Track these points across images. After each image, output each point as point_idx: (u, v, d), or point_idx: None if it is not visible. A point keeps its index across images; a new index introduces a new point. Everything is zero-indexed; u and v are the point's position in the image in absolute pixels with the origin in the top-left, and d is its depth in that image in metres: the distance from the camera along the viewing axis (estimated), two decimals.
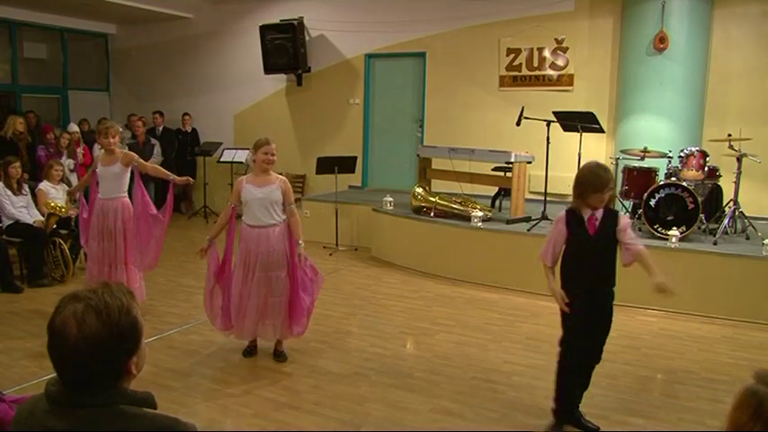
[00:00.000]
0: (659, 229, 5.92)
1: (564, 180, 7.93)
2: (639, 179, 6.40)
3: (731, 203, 6.27)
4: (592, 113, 6.72)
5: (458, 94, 9.03)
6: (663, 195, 5.98)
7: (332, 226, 8.10)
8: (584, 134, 6.68)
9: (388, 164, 9.76)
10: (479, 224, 6.64)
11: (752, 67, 7.44)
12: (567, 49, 8.33)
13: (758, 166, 6.40)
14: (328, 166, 8.18)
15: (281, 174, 4.53)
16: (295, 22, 9.58)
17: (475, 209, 6.83)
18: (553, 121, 6.78)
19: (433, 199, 7.27)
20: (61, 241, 6.38)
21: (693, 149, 6.27)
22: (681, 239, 5.79)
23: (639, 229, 6.13)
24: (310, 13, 9.80)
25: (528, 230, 6.38)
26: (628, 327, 5.14)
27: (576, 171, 6.98)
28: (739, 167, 6.15)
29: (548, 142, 6.74)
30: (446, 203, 7.15)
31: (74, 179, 8.07)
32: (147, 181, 5.83)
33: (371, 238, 7.94)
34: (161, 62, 11.45)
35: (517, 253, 6.36)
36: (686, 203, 5.88)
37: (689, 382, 4.17)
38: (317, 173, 8.30)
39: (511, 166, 6.82)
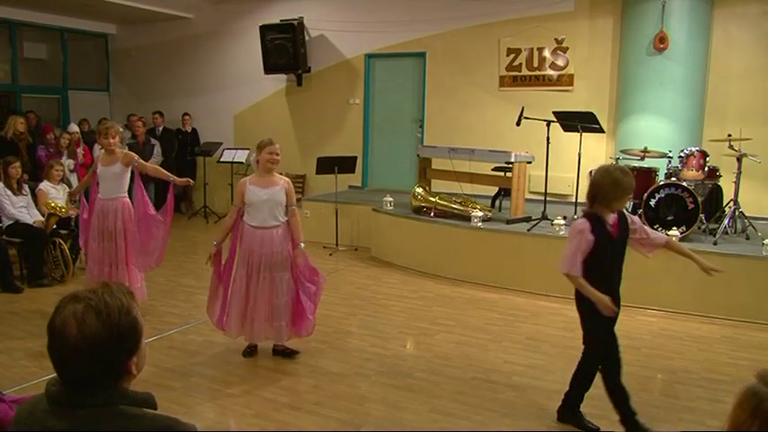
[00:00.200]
0: (659, 229, 5.92)
1: (564, 180, 7.95)
2: (639, 179, 6.35)
3: (731, 203, 6.28)
4: (592, 113, 6.72)
5: (458, 93, 9.04)
6: (663, 195, 5.99)
7: (332, 226, 8.10)
8: (584, 134, 6.68)
9: (388, 164, 9.77)
10: (479, 224, 6.64)
11: (752, 67, 7.44)
12: (567, 49, 8.33)
13: (758, 166, 6.40)
14: (328, 166, 8.19)
15: (280, 174, 4.52)
16: (295, 23, 9.58)
17: (475, 209, 6.83)
18: (553, 121, 6.78)
19: (433, 199, 7.27)
20: (61, 241, 6.38)
21: (693, 149, 6.27)
22: (681, 239, 5.78)
23: None
24: (310, 13, 9.80)
25: (528, 230, 6.38)
26: (628, 327, 5.13)
27: (575, 171, 7.00)
28: (739, 167, 6.15)
29: (548, 142, 6.75)
30: (446, 203, 7.15)
31: (74, 179, 8.07)
32: (147, 181, 5.83)
33: (371, 238, 7.94)
34: (161, 62, 11.45)
35: (517, 253, 6.36)
36: (686, 203, 5.88)
37: (689, 382, 4.17)
38: (317, 173, 8.30)
39: (511, 166, 6.82)
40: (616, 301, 3.31)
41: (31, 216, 6.48)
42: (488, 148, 7.17)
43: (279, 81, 10.35)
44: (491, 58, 8.77)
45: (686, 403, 3.86)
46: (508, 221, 6.79)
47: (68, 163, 8.18)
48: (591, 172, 3.40)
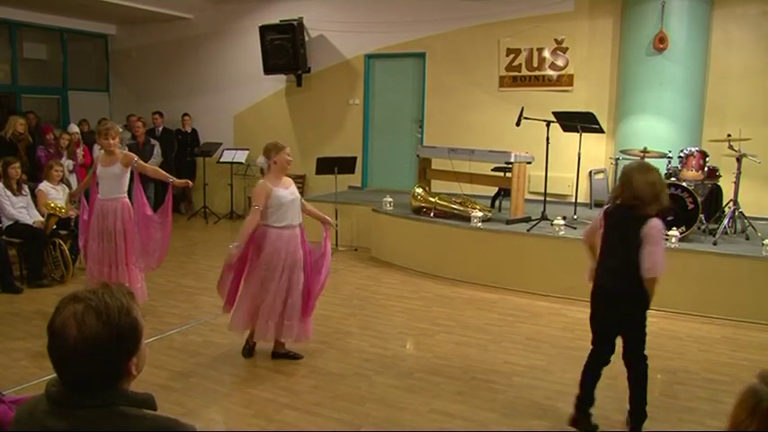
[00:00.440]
0: None
1: (563, 180, 7.96)
2: None
3: (731, 204, 6.28)
4: (591, 114, 6.73)
5: (458, 94, 9.04)
6: None
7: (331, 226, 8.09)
8: (583, 134, 6.68)
9: (388, 164, 9.77)
10: (479, 224, 6.64)
11: (752, 67, 7.44)
12: (567, 49, 8.33)
13: (758, 166, 6.40)
14: (328, 166, 8.19)
15: None
16: (295, 23, 9.59)
17: (475, 209, 6.83)
18: (553, 122, 6.78)
19: (432, 199, 7.27)
20: (61, 242, 6.38)
21: (693, 150, 6.27)
22: (681, 240, 5.79)
23: None
24: (310, 13, 9.80)
25: (528, 231, 6.38)
26: None
27: (575, 171, 6.99)
28: (739, 168, 6.15)
29: (547, 142, 6.74)
30: (446, 204, 7.15)
31: (73, 180, 8.07)
32: (147, 182, 5.83)
33: (371, 239, 7.94)
34: (161, 62, 11.46)
35: (517, 253, 6.36)
36: (686, 203, 5.88)
37: (689, 383, 4.16)
38: (317, 173, 8.30)
39: (510, 166, 6.82)
40: None
41: (31, 216, 6.48)
42: (488, 149, 7.17)
43: (278, 81, 10.35)
44: (491, 58, 8.78)
45: (686, 403, 3.86)
46: (508, 222, 6.79)
47: (68, 163, 8.18)
48: (627, 169, 3.32)
